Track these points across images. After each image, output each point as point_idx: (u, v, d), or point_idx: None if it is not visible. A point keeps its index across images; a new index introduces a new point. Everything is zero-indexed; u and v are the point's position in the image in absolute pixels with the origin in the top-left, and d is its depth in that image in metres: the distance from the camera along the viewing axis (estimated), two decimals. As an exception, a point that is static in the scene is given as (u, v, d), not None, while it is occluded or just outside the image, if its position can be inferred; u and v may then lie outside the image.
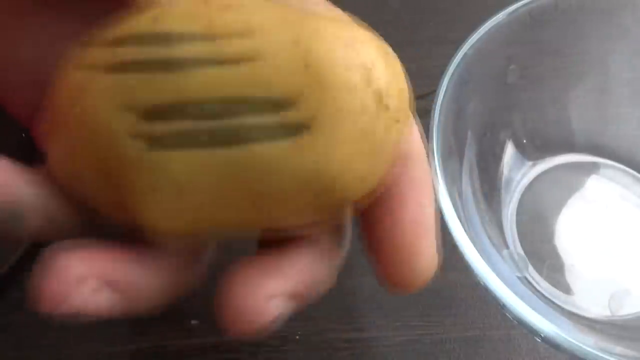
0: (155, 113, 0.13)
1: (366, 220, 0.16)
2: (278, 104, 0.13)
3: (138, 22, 0.14)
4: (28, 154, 0.16)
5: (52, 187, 0.14)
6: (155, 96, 0.13)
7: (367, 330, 0.28)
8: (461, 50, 0.26)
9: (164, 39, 0.13)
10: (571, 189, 0.31)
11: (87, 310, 0.14)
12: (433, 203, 0.16)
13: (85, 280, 0.13)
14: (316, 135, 0.13)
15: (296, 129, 0.13)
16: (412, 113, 0.16)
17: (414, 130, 0.17)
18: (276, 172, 0.13)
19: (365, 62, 0.14)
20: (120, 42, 0.14)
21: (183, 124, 0.13)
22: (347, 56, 0.14)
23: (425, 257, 0.15)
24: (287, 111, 0.13)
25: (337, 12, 0.16)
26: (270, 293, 0.14)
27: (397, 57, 0.15)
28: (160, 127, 0.13)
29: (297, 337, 0.28)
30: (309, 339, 0.28)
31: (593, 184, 0.31)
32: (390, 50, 0.15)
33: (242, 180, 0.13)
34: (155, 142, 0.13)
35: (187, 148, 0.13)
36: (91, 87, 0.13)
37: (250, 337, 0.14)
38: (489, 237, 0.27)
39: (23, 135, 0.31)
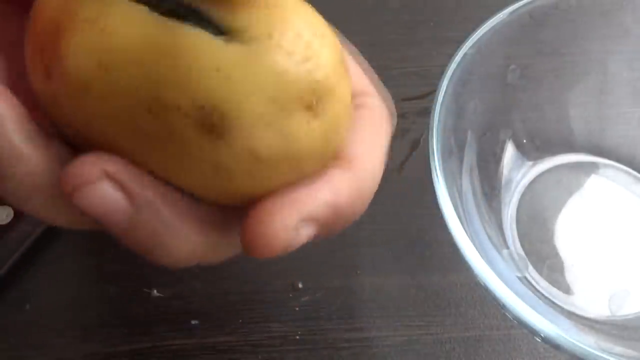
0: None
1: None
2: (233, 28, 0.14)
3: None
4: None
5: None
6: None
7: (367, 330, 0.28)
8: (461, 50, 0.26)
9: None
10: (571, 189, 0.31)
11: (96, 207, 0.14)
12: (334, 204, 0.16)
13: (108, 178, 0.14)
14: (243, 56, 0.13)
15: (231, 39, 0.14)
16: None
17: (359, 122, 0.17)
18: (183, 58, 0.13)
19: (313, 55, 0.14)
20: None
21: None
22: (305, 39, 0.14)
23: (274, 227, 0.15)
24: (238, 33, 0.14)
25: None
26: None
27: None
28: None
29: (297, 337, 0.28)
30: (309, 339, 0.28)
31: (593, 184, 0.31)
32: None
33: (153, 54, 0.13)
34: None
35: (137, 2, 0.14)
36: None
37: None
38: (489, 237, 0.27)
39: None
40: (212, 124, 0.13)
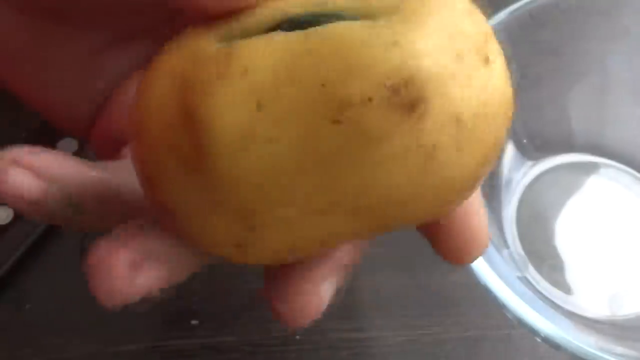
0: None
1: None
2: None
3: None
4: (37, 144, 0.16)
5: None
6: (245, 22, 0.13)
7: (367, 330, 0.28)
8: (461, 50, 0.26)
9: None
10: (571, 189, 0.31)
11: (142, 291, 0.14)
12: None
13: (135, 264, 0.14)
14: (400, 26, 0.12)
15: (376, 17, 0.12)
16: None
17: None
18: (348, 49, 0.12)
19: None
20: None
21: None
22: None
23: (479, 232, 0.17)
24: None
25: None
26: (320, 282, 0.16)
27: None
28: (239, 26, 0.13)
29: (297, 337, 0.28)
30: (309, 339, 0.28)
31: (593, 184, 0.31)
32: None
33: (310, 63, 0.12)
34: (232, 37, 0.13)
35: (257, 35, 0.12)
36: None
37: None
38: (489, 237, 0.27)
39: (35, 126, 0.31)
40: (412, 99, 0.12)
